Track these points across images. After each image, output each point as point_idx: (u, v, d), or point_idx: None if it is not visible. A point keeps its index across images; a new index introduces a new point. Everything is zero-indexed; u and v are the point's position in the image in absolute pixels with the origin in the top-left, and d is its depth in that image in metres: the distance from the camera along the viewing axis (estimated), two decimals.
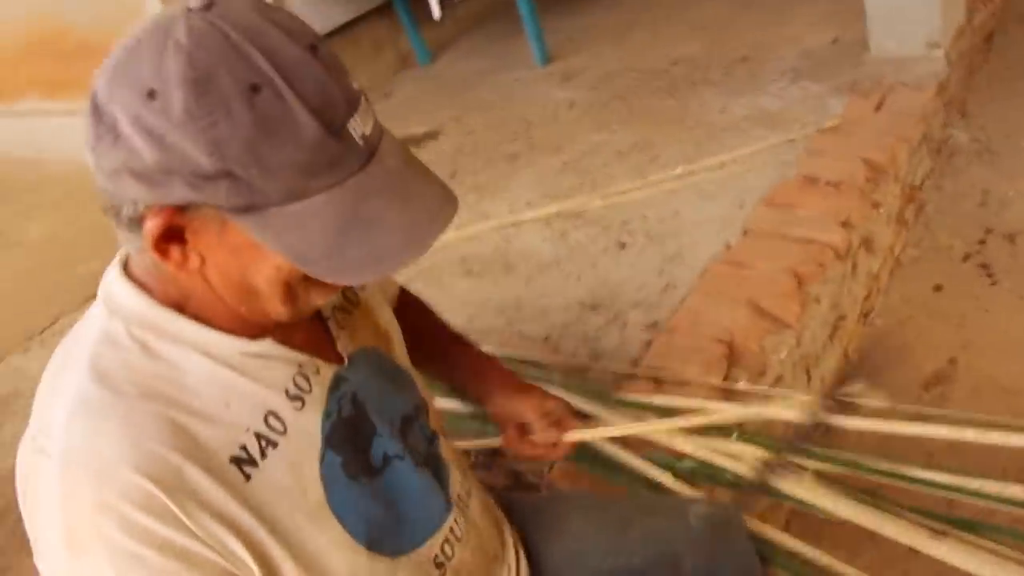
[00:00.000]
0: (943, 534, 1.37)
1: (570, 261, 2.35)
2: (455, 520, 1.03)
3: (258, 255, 0.74)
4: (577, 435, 1.27)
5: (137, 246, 0.75)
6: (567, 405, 1.29)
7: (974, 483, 1.42)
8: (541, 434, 1.24)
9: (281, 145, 0.68)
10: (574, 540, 1.24)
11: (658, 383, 1.79)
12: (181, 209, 0.71)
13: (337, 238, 0.71)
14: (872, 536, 2.01)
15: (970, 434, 1.54)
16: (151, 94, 0.67)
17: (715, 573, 1.21)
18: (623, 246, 2.37)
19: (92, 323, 0.82)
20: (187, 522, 0.74)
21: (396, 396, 1.01)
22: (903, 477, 1.46)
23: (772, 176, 2.54)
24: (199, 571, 0.75)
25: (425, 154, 3.26)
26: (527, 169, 2.98)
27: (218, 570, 0.76)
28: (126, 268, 0.83)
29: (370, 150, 0.73)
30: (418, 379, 1.10)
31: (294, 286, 0.78)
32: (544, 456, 1.27)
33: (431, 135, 3.49)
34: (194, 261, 0.75)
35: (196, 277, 0.78)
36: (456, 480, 1.07)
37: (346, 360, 0.94)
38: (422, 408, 1.06)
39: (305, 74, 0.69)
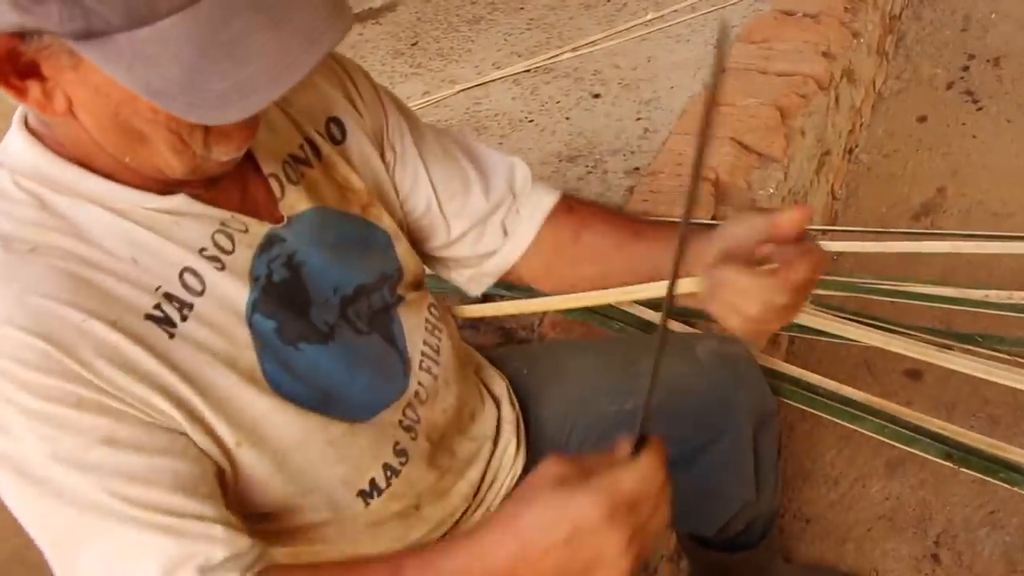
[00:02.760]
0: (949, 347, 1.34)
1: (543, 116, 2.25)
2: (419, 383, 0.94)
3: (127, 93, 0.63)
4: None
5: None
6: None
7: (978, 294, 1.37)
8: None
9: None
10: (575, 384, 1.15)
11: None
12: (20, 36, 0.61)
13: (195, 69, 0.60)
14: (870, 368, 2.00)
15: (969, 246, 1.50)
16: None
17: (730, 407, 1.12)
18: (597, 96, 2.27)
19: None
20: (95, 380, 0.67)
21: (354, 264, 0.90)
22: (906, 294, 1.41)
23: (745, 14, 2.45)
24: (128, 424, 0.69)
25: (384, 26, 3.11)
26: (491, 30, 2.85)
27: (147, 425, 0.70)
28: (26, 121, 0.74)
29: None
30: (402, 243, 0.96)
31: (183, 133, 0.68)
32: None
33: (389, 7, 3.33)
34: (60, 102, 0.66)
35: (71, 122, 0.68)
36: (416, 344, 0.95)
37: (285, 219, 0.83)
38: (391, 277, 0.94)
39: None
